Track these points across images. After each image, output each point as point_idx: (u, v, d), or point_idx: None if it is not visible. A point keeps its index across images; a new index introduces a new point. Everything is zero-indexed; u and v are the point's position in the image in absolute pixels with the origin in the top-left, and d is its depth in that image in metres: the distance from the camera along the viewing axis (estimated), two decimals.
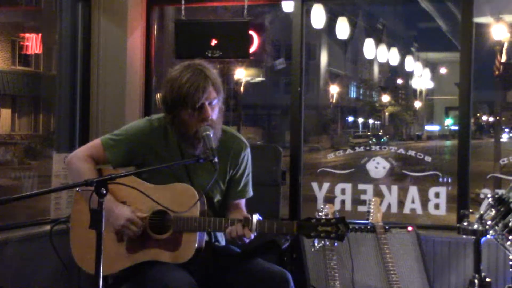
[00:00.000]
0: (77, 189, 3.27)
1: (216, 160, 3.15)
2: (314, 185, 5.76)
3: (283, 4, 6.55)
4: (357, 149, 6.08)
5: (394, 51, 14.93)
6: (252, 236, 3.27)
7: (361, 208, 5.54)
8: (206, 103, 3.32)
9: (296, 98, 5.60)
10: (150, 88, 5.92)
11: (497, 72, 10.55)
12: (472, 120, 5.58)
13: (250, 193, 3.66)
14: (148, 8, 5.90)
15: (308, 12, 7.42)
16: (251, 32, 5.62)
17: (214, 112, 3.36)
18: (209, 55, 5.35)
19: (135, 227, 3.32)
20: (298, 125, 5.58)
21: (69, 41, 5.69)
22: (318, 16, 8.06)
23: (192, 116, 3.31)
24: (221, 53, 5.36)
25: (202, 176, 3.46)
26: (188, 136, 3.36)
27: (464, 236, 3.72)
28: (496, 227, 3.17)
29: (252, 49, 5.80)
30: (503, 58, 10.43)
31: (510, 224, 3.05)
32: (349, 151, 6.13)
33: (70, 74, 5.69)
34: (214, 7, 6.43)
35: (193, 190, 3.36)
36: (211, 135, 3.27)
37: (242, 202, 3.65)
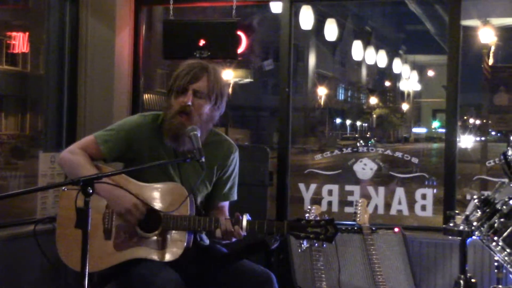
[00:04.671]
0: (63, 188, 3.27)
1: (203, 159, 3.16)
2: (301, 186, 5.77)
3: (272, 5, 6.56)
4: (344, 151, 6.10)
5: (382, 53, 14.99)
6: (243, 236, 3.28)
7: (348, 209, 5.55)
8: (191, 90, 3.33)
9: (284, 100, 5.61)
10: (138, 88, 5.92)
11: (484, 75, 10.61)
12: (460, 123, 5.61)
13: (235, 196, 3.67)
14: (136, 8, 5.89)
15: (297, 13, 7.44)
16: (239, 32, 5.62)
17: (201, 106, 3.36)
18: (197, 55, 5.34)
19: (139, 213, 3.30)
20: (286, 126, 5.59)
21: (56, 40, 5.68)
22: (306, 18, 8.09)
23: (176, 101, 3.33)
24: (209, 53, 5.35)
25: (190, 175, 3.47)
26: (173, 132, 3.37)
27: (450, 237, 3.74)
28: (482, 228, 3.19)
29: (240, 50, 5.81)
30: (491, 61, 10.47)
31: (495, 225, 3.07)
32: (336, 152, 6.14)
33: (58, 74, 5.68)
34: (203, 8, 6.42)
35: (183, 189, 3.36)
36: (199, 135, 3.27)
37: (226, 206, 3.64)
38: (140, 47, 5.93)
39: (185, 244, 3.31)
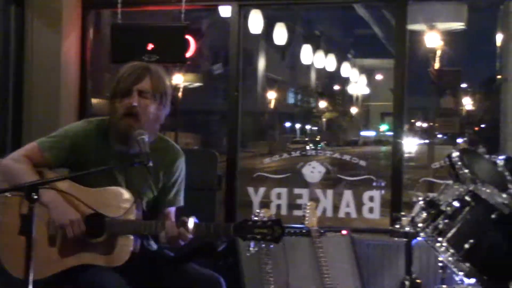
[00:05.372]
0: (7, 194, 3.22)
1: (150, 164, 3.15)
2: (250, 190, 5.78)
3: (221, 9, 6.56)
4: (293, 154, 6.13)
5: (331, 57, 15.10)
6: (189, 238, 3.26)
7: (297, 213, 5.59)
8: (136, 90, 3.32)
9: (233, 104, 5.62)
10: (86, 92, 5.86)
11: (431, 79, 10.78)
12: (407, 126, 5.69)
13: (181, 202, 3.65)
14: (83, 12, 5.84)
15: (246, 18, 7.43)
16: (188, 37, 5.62)
17: (146, 106, 3.34)
18: (146, 59, 5.31)
19: (77, 230, 3.26)
20: (234, 130, 5.60)
21: (1, 44, 5.60)
22: (255, 22, 8.09)
23: (120, 103, 3.31)
24: (157, 57, 5.33)
25: (137, 180, 3.45)
26: (121, 135, 3.35)
27: (396, 239, 3.79)
28: (427, 230, 3.23)
29: (189, 54, 5.80)
30: (437, 65, 10.65)
31: (439, 226, 3.11)
32: (285, 155, 6.16)
33: (2, 77, 5.59)
34: (152, 12, 6.39)
35: (129, 193, 3.34)
36: (146, 139, 3.26)
37: (172, 212, 3.62)
38: (87, 51, 5.88)
39: (132, 248, 3.28)
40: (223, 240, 4.16)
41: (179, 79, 14.23)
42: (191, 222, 3.23)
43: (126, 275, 3.29)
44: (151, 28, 5.51)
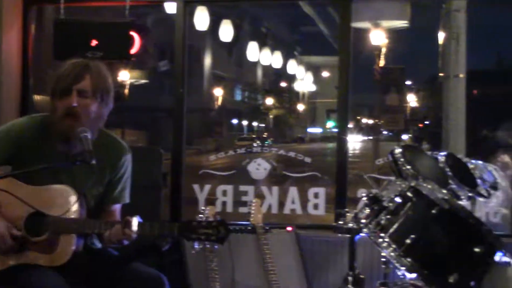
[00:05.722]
0: None
1: (94, 162, 3.12)
2: (196, 187, 5.77)
3: (166, 5, 6.53)
4: (239, 151, 6.14)
5: (278, 54, 15.14)
6: (133, 238, 3.24)
7: (242, 209, 5.59)
8: (75, 90, 3.27)
9: (179, 100, 5.60)
10: (28, 89, 5.77)
11: (376, 76, 10.88)
12: (353, 123, 5.75)
13: (127, 199, 3.62)
14: (25, 7, 5.75)
15: (192, 14, 7.41)
16: (132, 33, 5.56)
17: (87, 106, 3.30)
18: (90, 55, 5.24)
19: (3, 246, 3.21)
20: (180, 127, 5.58)
21: None
22: (201, 18, 8.10)
23: (61, 103, 3.27)
24: (101, 54, 5.27)
25: (81, 178, 3.40)
26: (63, 135, 3.31)
27: (339, 235, 3.82)
28: (370, 225, 3.26)
29: (133, 51, 5.75)
30: (382, 63, 10.76)
31: (382, 222, 3.15)
32: (230, 152, 6.17)
33: None
34: (96, 7, 6.31)
35: (72, 191, 3.30)
36: (89, 137, 3.22)
37: (118, 209, 3.59)
38: (29, 47, 5.79)
39: (74, 247, 3.24)
40: (168, 240, 4.15)
41: (125, 76, 14.09)
42: (135, 222, 3.20)
43: (69, 275, 3.24)
44: (94, 24, 5.45)
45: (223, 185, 5.78)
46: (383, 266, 3.84)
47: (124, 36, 5.40)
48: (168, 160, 5.55)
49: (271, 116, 37.72)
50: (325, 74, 33.90)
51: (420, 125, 26.25)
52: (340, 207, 5.05)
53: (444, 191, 3.30)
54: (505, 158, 5.94)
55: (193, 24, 8.03)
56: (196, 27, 8.14)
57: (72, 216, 3.25)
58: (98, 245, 3.55)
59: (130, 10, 5.52)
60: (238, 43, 27.80)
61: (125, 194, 3.61)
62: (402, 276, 3.58)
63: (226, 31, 10.51)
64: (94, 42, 5.29)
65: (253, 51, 13.19)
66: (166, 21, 7.02)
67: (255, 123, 38.22)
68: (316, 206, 5.68)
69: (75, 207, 3.26)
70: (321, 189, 5.72)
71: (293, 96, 36.85)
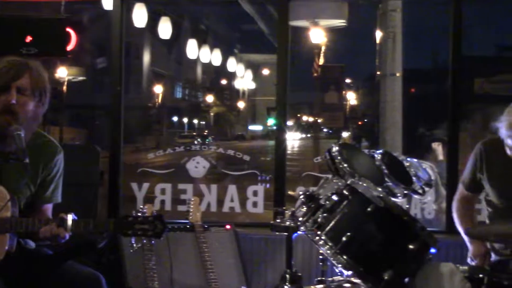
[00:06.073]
0: None
1: (27, 161, 3.07)
2: (134, 185, 5.73)
3: (103, 1, 6.45)
4: (177, 149, 6.12)
5: (217, 52, 15.11)
6: (67, 236, 3.19)
7: (181, 208, 5.58)
8: (15, 87, 3.22)
9: (116, 98, 5.56)
10: None
11: (315, 74, 10.96)
12: (293, 121, 5.79)
13: (59, 199, 3.57)
14: None
15: (130, 11, 7.35)
16: (68, 29, 5.49)
17: (25, 104, 3.25)
18: (24, 52, 5.16)
19: None
20: (117, 125, 5.54)
21: None
22: (140, 15, 8.02)
23: None
24: (37, 50, 5.19)
25: (13, 177, 3.34)
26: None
27: (277, 233, 3.84)
28: (307, 223, 3.28)
29: (70, 47, 5.67)
30: (321, 61, 10.85)
31: (319, 220, 3.17)
32: (169, 151, 6.15)
33: None
34: (32, 3, 6.20)
35: (4, 190, 3.23)
36: (22, 135, 3.17)
37: (50, 208, 3.53)
38: None
39: (7, 248, 3.18)
40: (104, 237, 4.10)
41: (63, 73, 13.88)
42: (69, 219, 3.16)
43: (2, 276, 3.19)
44: (29, 20, 5.35)
45: (162, 183, 5.76)
46: (321, 263, 3.89)
47: (60, 32, 5.33)
48: (106, 158, 5.50)
49: (212, 114, 37.67)
50: (265, 72, 33.98)
51: (360, 122, 26.53)
52: (279, 205, 5.06)
53: (380, 189, 3.35)
54: (437, 145, 6.09)
55: (132, 21, 7.96)
56: (135, 24, 8.07)
57: (5, 216, 3.19)
58: (32, 244, 3.49)
59: (66, 6, 5.44)
60: (178, 41, 27.69)
61: (57, 194, 3.56)
62: (339, 273, 3.63)
63: (165, 28, 10.44)
64: (29, 38, 5.19)
65: (193, 49, 13.12)
66: (103, 18, 6.95)
67: (195, 121, 38.09)
68: (255, 204, 5.70)
69: (7, 207, 3.19)
70: (260, 187, 5.74)
71: (233, 93, 36.88)
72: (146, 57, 31.73)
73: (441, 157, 6.09)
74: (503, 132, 3.67)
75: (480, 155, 3.86)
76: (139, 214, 3.25)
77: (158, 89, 30.93)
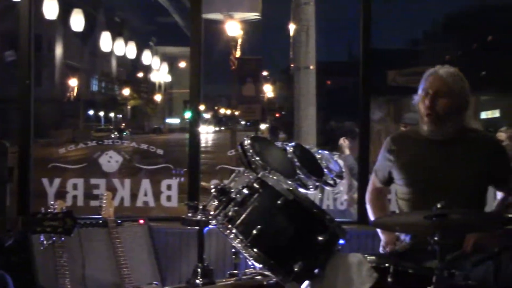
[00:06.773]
0: None
1: None
2: (45, 181, 5.62)
3: None
4: (90, 144, 6.04)
5: (132, 45, 14.95)
6: None
7: (94, 203, 5.50)
8: None
9: (25, 92, 5.43)
10: None
11: (232, 67, 11.00)
12: (211, 113, 5.79)
13: None
14: None
15: (39, 3, 7.20)
16: None
17: None
18: None
19: None
20: (27, 119, 5.42)
21: None
22: (50, 7, 7.87)
23: None
24: None
25: None
26: None
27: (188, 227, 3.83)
28: (218, 217, 3.27)
29: None
30: (238, 54, 10.89)
31: (229, 213, 3.16)
32: (81, 145, 6.05)
33: None
34: None
35: None
36: None
37: None
38: None
39: None
40: (10, 235, 4.01)
41: None
42: None
43: None
44: None
45: (74, 178, 5.67)
46: (233, 256, 3.90)
47: None
48: (16, 153, 5.37)
49: (128, 107, 37.35)
50: (182, 64, 33.86)
51: (277, 115, 26.75)
52: (193, 198, 5.05)
53: (290, 182, 3.37)
54: (343, 140, 6.20)
55: (42, 13, 7.80)
56: (46, 16, 7.91)
57: None
58: None
59: None
60: (93, 33, 27.29)
61: None
62: (252, 266, 3.64)
63: (78, 21, 10.26)
64: None
65: (107, 41, 12.93)
66: (12, 10, 6.79)
67: (112, 114, 37.66)
68: (169, 198, 5.68)
69: None
70: (174, 180, 5.72)
71: (150, 86, 36.62)
72: (59, 50, 31.17)
73: (347, 151, 6.19)
74: (416, 98, 3.73)
75: (390, 147, 3.93)
76: (49, 210, 3.19)
77: (73, 82, 30.45)
